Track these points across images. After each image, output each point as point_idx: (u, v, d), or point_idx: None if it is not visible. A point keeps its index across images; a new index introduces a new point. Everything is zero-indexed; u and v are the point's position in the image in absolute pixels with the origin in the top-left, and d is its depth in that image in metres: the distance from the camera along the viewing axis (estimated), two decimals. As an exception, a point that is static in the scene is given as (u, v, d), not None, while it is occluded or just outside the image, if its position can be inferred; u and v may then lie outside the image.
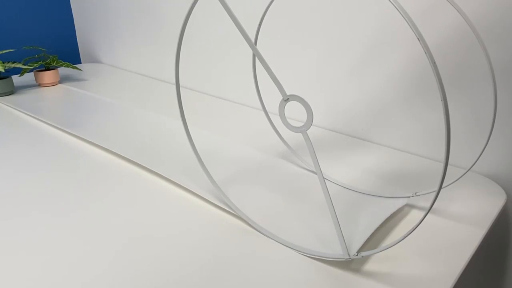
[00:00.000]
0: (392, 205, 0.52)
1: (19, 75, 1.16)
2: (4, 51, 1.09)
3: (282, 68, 0.86)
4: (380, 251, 0.41)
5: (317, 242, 0.47)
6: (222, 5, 0.41)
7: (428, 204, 0.35)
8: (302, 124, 0.42)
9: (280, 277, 0.42)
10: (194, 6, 0.41)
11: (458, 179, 0.52)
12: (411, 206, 0.55)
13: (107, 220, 0.51)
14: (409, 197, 0.54)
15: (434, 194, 0.34)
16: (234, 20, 0.41)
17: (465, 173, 0.52)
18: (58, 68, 1.18)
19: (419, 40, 0.31)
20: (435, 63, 0.31)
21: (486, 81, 0.61)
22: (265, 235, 0.48)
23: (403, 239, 0.38)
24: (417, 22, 0.30)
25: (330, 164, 0.67)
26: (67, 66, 1.17)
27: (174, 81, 1.20)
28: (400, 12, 0.31)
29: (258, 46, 0.46)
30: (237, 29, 0.41)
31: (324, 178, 0.42)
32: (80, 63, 1.57)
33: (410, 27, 0.31)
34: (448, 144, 0.32)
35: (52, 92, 1.10)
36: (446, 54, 0.62)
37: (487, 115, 0.61)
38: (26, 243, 0.47)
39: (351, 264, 0.43)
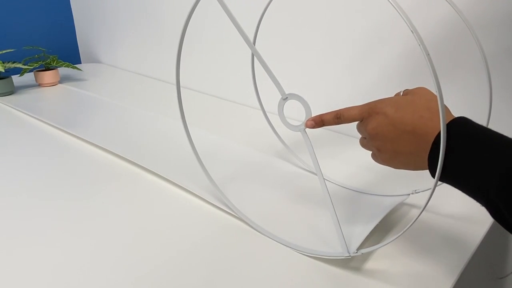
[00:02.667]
0: (391, 203, 0.52)
1: (19, 75, 1.16)
2: (4, 51, 1.09)
3: (280, 68, 0.86)
4: (380, 247, 0.40)
5: (316, 241, 0.47)
6: (221, 5, 0.41)
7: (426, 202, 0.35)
8: (301, 123, 0.42)
9: (280, 277, 0.42)
10: (195, 8, 0.41)
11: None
12: (411, 205, 0.55)
13: (107, 220, 0.51)
14: (409, 194, 0.54)
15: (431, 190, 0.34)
16: (232, 20, 0.41)
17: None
18: (58, 68, 1.18)
19: (412, 32, 0.31)
20: (428, 54, 0.31)
21: (480, 75, 0.60)
22: (264, 235, 0.48)
23: (402, 233, 0.38)
24: (410, 16, 0.30)
25: (329, 163, 0.66)
26: (67, 66, 1.17)
27: (173, 81, 1.20)
28: (393, 6, 0.31)
29: (257, 46, 0.46)
30: (236, 29, 0.41)
31: (323, 177, 0.42)
32: (80, 63, 1.57)
33: (404, 20, 0.31)
34: (444, 139, 0.32)
35: (52, 92, 1.10)
36: (440, 48, 0.62)
37: (482, 110, 0.61)
38: (25, 243, 0.47)
39: (351, 262, 0.43)
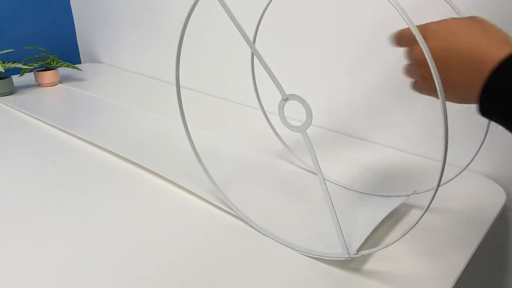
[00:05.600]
0: (391, 204, 0.52)
1: (19, 75, 1.16)
2: (4, 51, 1.09)
3: (280, 68, 0.86)
4: (380, 249, 0.41)
5: (316, 242, 0.47)
6: (222, 5, 0.41)
7: (428, 203, 0.35)
8: (301, 123, 0.42)
9: (280, 277, 0.42)
10: (194, 7, 0.41)
11: (456, 176, 0.52)
12: (411, 205, 0.55)
13: (107, 220, 0.51)
14: (409, 195, 0.54)
15: (433, 192, 0.34)
16: (233, 20, 0.41)
17: (463, 170, 0.52)
18: (58, 68, 1.18)
19: (416, 36, 0.31)
20: (431, 58, 0.31)
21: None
22: (264, 235, 0.48)
23: (402, 236, 0.38)
24: (412, 17, 0.30)
25: (329, 164, 0.66)
26: (67, 66, 1.17)
27: (173, 81, 1.20)
28: (397, 10, 0.31)
29: (257, 46, 0.46)
30: (236, 28, 0.41)
31: (324, 178, 0.42)
32: (80, 63, 1.57)
33: (408, 24, 0.31)
34: (446, 140, 0.32)
35: (52, 92, 1.10)
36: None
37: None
38: (24, 243, 0.47)
39: (351, 263, 0.43)
